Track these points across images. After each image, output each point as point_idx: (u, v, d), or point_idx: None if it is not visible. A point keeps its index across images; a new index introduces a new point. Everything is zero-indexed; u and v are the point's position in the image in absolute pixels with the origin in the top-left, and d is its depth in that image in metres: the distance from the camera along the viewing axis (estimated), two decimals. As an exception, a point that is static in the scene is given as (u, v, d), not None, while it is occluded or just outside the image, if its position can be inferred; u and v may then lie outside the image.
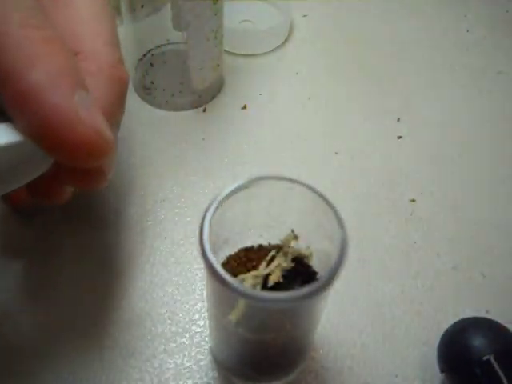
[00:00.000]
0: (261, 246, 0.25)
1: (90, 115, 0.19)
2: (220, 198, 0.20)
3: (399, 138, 0.39)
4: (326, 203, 0.21)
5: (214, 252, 0.19)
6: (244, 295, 0.18)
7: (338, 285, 0.30)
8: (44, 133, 0.19)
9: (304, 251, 0.24)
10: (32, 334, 0.28)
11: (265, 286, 0.22)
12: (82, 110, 0.19)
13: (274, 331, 0.22)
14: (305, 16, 0.48)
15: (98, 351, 0.27)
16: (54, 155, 0.20)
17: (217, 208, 0.20)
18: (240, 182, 0.21)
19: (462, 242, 0.33)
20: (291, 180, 0.21)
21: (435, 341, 0.27)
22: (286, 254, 0.23)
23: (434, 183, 0.36)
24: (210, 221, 0.20)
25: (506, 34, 0.48)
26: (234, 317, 0.20)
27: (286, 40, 0.46)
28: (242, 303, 0.20)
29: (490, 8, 0.50)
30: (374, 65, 0.44)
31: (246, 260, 0.24)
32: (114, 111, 0.23)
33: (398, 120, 0.40)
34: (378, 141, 0.38)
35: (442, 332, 0.27)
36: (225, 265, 0.24)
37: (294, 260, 0.23)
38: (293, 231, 0.23)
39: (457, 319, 0.27)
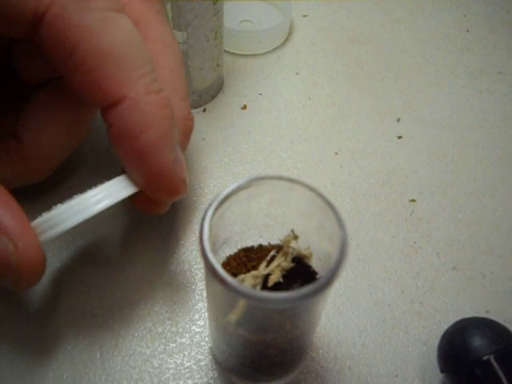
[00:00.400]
0: (261, 246, 0.25)
1: (180, 168, 0.24)
2: (220, 197, 0.20)
3: (399, 138, 0.39)
4: (326, 203, 0.21)
5: (214, 252, 0.19)
6: (244, 295, 0.18)
7: (337, 285, 0.31)
8: (150, 182, 0.24)
9: (304, 251, 0.23)
10: (32, 333, 0.28)
11: (265, 286, 0.22)
12: (176, 164, 0.24)
13: (273, 331, 0.22)
14: (305, 16, 0.48)
15: (98, 351, 0.27)
16: (151, 195, 0.25)
17: (217, 208, 0.20)
18: (240, 181, 0.21)
19: (461, 242, 0.33)
20: (291, 180, 0.21)
21: (435, 341, 0.27)
22: (286, 254, 0.23)
23: (434, 183, 0.36)
24: (210, 221, 0.20)
25: (506, 34, 0.48)
26: (233, 317, 0.20)
27: (286, 40, 0.46)
28: (241, 303, 0.20)
29: (490, 8, 0.50)
30: (374, 65, 0.44)
31: (246, 260, 0.24)
32: (183, 152, 0.27)
33: (398, 120, 0.40)
34: (378, 141, 0.38)
35: (442, 332, 0.27)
36: (225, 265, 0.24)
37: (294, 260, 0.23)
38: (293, 231, 0.23)
39: (457, 319, 0.27)
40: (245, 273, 0.23)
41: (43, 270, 0.23)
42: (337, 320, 0.29)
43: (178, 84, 0.27)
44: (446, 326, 0.27)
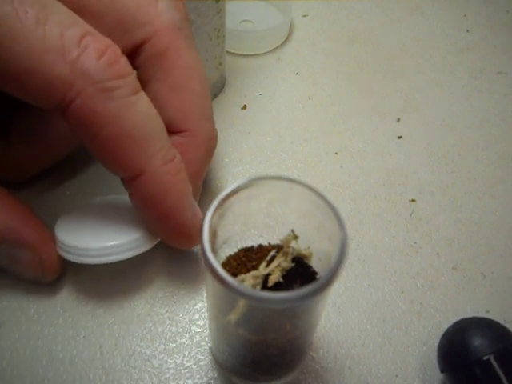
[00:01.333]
0: (261, 246, 0.25)
1: (197, 219, 0.27)
2: (220, 197, 0.21)
3: (399, 138, 0.39)
4: (326, 203, 0.21)
5: (214, 252, 0.19)
6: (244, 295, 0.18)
7: (337, 285, 0.31)
8: (171, 237, 0.27)
9: (304, 251, 0.23)
10: (32, 333, 0.28)
11: (265, 286, 0.22)
12: (194, 218, 0.26)
13: (273, 332, 0.22)
14: (305, 16, 0.48)
15: (98, 351, 0.27)
16: (171, 245, 0.28)
17: (217, 208, 0.20)
18: (240, 181, 0.21)
19: (461, 242, 0.33)
20: (291, 180, 0.21)
21: (435, 341, 0.27)
22: (286, 254, 0.23)
23: (434, 183, 0.36)
24: (210, 221, 0.20)
25: (506, 34, 0.48)
26: (233, 317, 0.20)
27: (286, 40, 0.46)
28: (241, 303, 0.20)
29: (490, 8, 0.50)
30: (374, 65, 0.44)
31: (245, 260, 0.24)
32: (205, 169, 0.30)
33: (398, 120, 0.40)
34: (378, 141, 0.38)
35: (442, 332, 0.27)
36: (225, 265, 0.24)
37: (294, 260, 0.23)
38: (293, 231, 0.23)
39: (457, 319, 0.27)
40: (245, 273, 0.23)
41: (61, 270, 0.29)
42: (337, 320, 0.29)
43: (203, 106, 0.29)
44: (445, 326, 0.27)
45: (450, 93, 0.42)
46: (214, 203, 0.20)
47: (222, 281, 0.18)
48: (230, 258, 0.25)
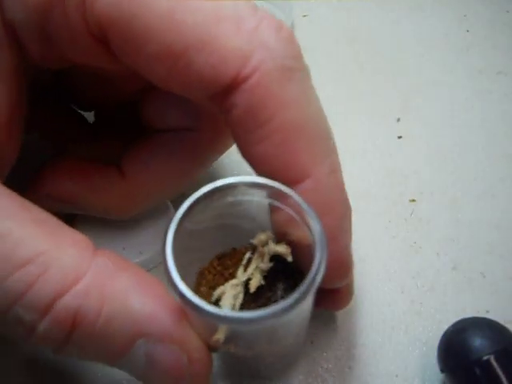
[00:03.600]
0: (234, 249, 0.23)
1: (350, 252, 0.24)
2: (178, 216, 0.19)
3: (399, 138, 0.39)
4: (291, 196, 0.19)
5: (185, 268, 0.18)
6: (223, 321, 0.17)
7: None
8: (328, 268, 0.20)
9: (280, 248, 0.21)
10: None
11: (247, 293, 0.21)
12: (348, 247, 0.24)
13: (265, 343, 0.21)
14: (305, 16, 0.48)
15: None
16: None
17: (177, 228, 0.19)
18: (196, 195, 0.19)
19: (461, 242, 0.33)
20: (250, 183, 0.20)
21: (435, 341, 0.27)
22: (262, 255, 0.21)
23: (434, 183, 0.36)
24: (173, 247, 0.18)
25: (506, 34, 0.48)
26: (220, 336, 0.19)
27: (286, 40, 0.46)
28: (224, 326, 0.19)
29: (490, 8, 0.50)
30: (374, 65, 0.44)
31: (221, 269, 0.23)
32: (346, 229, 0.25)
33: (398, 120, 0.40)
34: (377, 141, 0.38)
35: (442, 332, 0.27)
36: (200, 279, 0.23)
37: (272, 259, 0.22)
38: (264, 230, 0.21)
39: (457, 319, 0.27)
40: (223, 283, 0.21)
41: (211, 373, 0.21)
42: (337, 320, 0.29)
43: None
44: (445, 326, 0.27)
45: (450, 93, 0.42)
46: (172, 225, 0.19)
47: (197, 310, 0.17)
48: (204, 270, 0.23)
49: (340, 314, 0.29)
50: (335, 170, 0.22)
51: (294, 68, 0.20)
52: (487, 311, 0.30)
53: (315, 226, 0.19)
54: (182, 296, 0.17)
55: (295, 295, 0.17)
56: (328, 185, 0.21)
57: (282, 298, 0.21)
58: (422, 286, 0.31)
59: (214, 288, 0.21)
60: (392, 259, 0.32)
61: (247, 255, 0.22)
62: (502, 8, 0.50)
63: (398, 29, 0.48)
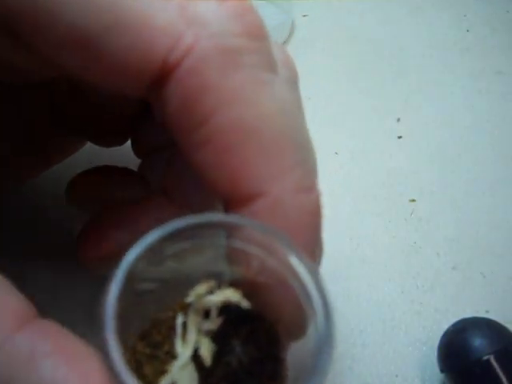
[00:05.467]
0: (156, 320, 0.17)
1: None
2: (113, 295, 0.14)
3: (399, 137, 0.39)
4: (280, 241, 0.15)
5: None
6: None
7: (338, 285, 0.31)
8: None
9: (229, 294, 0.15)
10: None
11: (202, 368, 0.15)
12: None
13: None
14: (305, 16, 0.48)
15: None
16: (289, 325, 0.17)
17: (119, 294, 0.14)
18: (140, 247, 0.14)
19: (461, 242, 0.33)
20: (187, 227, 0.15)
21: (435, 341, 0.27)
22: (198, 312, 0.16)
23: (434, 183, 0.36)
24: (116, 343, 0.13)
25: (506, 34, 0.48)
26: None
27: (286, 40, 0.46)
28: None
29: (490, 8, 0.50)
30: (374, 65, 0.44)
31: (151, 351, 0.16)
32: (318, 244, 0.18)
33: (398, 120, 0.40)
34: (378, 141, 0.38)
35: (442, 332, 0.27)
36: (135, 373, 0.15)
37: (220, 312, 0.16)
38: (206, 280, 0.16)
39: (457, 319, 0.27)
40: (163, 368, 0.15)
41: None
42: (337, 320, 0.29)
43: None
44: (446, 326, 0.27)
45: (450, 93, 0.42)
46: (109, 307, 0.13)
47: None
48: (130, 359, 0.16)
49: (340, 314, 0.29)
50: (307, 189, 0.16)
51: (243, 50, 0.15)
52: (487, 311, 0.30)
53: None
54: None
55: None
56: (291, 207, 0.16)
57: (246, 356, 0.16)
58: (421, 286, 0.31)
59: (153, 382, 0.15)
60: (392, 259, 0.32)
61: (179, 320, 0.16)
62: (502, 8, 0.50)
63: (398, 29, 0.48)
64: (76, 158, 0.35)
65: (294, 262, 0.15)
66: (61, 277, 0.29)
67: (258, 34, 0.16)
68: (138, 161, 0.27)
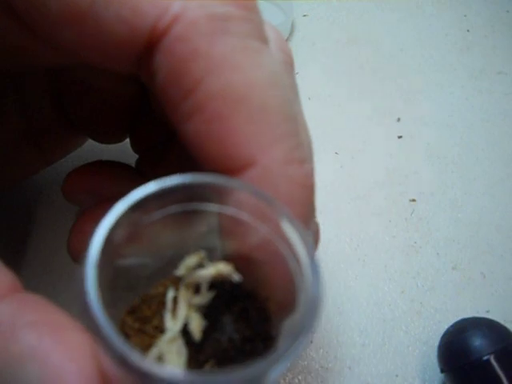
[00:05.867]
0: (146, 295, 0.16)
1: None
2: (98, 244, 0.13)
3: (399, 137, 0.39)
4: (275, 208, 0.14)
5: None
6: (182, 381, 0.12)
7: (337, 285, 0.31)
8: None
9: (221, 268, 0.15)
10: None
11: (191, 343, 0.15)
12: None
13: None
14: (305, 16, 0.48)
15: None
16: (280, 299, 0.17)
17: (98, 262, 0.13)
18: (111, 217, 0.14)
19: (461, 242, 0.33)
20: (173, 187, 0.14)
21: (435, 341, 0.27)
22: (189, 286, 0.15)
23: (434, 183, 0.36)
24: (97, 287, 0.13)
25: (506, 34, 0.48)
26: None
27: (287, 40, 0.46)
28: None
29: (490, 8, 0.50)
30: (374, 65, 0.44)
31: (140, 325, 0.16)
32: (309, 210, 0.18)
33: (398, 120, 0.40)
34: (378, 141, 0.38)
35: (442, 332, 0.27)
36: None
37: (211, 287, 0.16)
38: (195, 252, 0.15)
39: (457, 319, 0.27)
40: (151, 343, 0.15)
41: None
42: (337, 320, 0.29)
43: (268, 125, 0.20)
44: (446, 326, 0.27)
45: (450, 93, 0.42)
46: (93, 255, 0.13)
47: (152, 377, 0.12)
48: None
49: (340, 314, 0.29)
50: (298, 161, 0.16)
51: (232, 17, 0.15)
52: (487, 311, 0.30)
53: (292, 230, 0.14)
54: (126, 362, 0.12)
55: (255, 367, 0.12)
56: (281, 177, 0.15)
57: (236, 333, 0.16)
58: (422, 286, 0.31)
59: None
60: (392, 259, 0.32)
61: (170, 294, 0.15)
62: (502, 8, 0.51)
63: (398, 29, 0.48)
64: (76, 156, 0.36)
65: (286, 226, 0.14)
66: (59, 275, 0.29)
67: (247, 4, 0.16)
68: (135, 157, 0.27)
